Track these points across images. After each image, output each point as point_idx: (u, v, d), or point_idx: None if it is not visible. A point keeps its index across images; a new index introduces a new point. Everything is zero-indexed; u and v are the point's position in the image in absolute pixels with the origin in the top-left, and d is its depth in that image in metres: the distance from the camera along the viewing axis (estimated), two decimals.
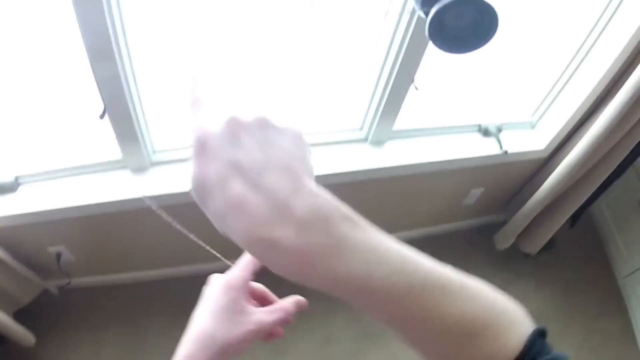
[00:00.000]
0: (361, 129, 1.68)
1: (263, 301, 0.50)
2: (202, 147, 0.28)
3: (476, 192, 1.99)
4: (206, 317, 0.43)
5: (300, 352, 1.90)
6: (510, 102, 1.85)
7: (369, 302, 0.30)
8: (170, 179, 1.53)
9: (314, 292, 0.30)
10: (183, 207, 1.53)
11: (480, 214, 2.22)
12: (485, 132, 1.79)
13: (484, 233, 2.23)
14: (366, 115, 1.62)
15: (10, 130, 1.52)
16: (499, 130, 1.79)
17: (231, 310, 0.43)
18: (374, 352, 1.92)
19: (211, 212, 0.28)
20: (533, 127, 1.87)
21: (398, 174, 1.67)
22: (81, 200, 1.52)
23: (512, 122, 1.83)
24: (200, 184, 0.28)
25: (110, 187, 1.54)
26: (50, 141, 1.59)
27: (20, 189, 1.60)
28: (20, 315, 1.77)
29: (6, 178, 1.58)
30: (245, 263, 0.46)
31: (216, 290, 0.44)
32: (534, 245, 2.10)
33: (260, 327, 0.44)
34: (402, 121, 1.65)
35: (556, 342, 1.62)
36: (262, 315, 0.45)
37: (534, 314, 1.64)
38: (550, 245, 2.11)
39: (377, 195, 1.80)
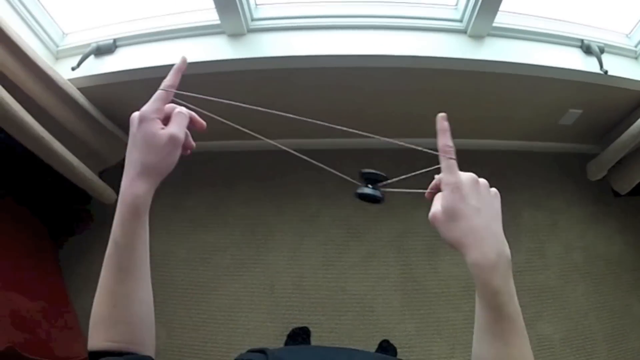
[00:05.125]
0: (461, 20, 1.67)
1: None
2: (459, 189, 0.52)
3: (574, 113, 1.94)
4: (133, 150, 0.53)
5: (378, 238, 2.00)
6: (617, 26, 1.78)
7: (496, 312, 0.50)
8: (266, 46, 1.60)
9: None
10: (275, 73, 1.63)
11: (576, 139, 2.18)
12: (587, 50, 1.73)
13: (578, 161, 2.20)
14: (467, 5, 1.60)
15: None
16: (602, 50, 1.73)
17: (147, 138, 0.53)
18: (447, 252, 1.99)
19: (453, 233, 0.52)
20: (637, 58, 1.79)
21: (494, 71, 1.66)
22: (174, 60, 1.61)
23: (615, 45, 1.77)
24: (452, 211, 0.52)
25: (206, 50, 1.63)
26: (149, 4, 1.69)
27: (118, 51, 1.74)
28: (106, 175, 1.96)
29: (105, 40, 1.72)
30: (155, 97, 0.56)
31: (135, 128, 0.54)
32: (625, 185, 2.03)
33: (172, 138, 0.54)
34: (503, 18, 1.64)
35: (627, 294, 1.60)
36: (170, 129, 0.54)
37: (614, 257, 1.67)
38: None
39: (474, 91, 1.81)
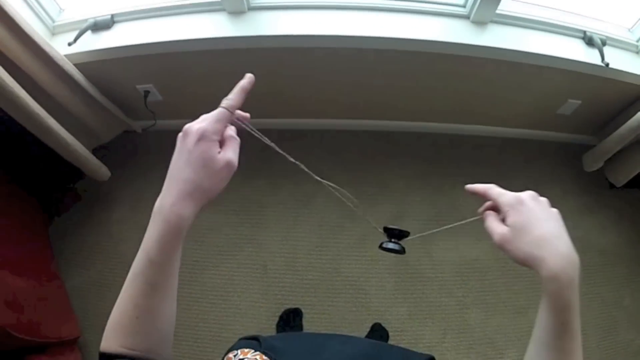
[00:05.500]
0: (464, 6, 1.66)
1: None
2: (522, 203, 0.54)
3: (573, 104, 1.94)
4: (186, 168, 0.50)
5: (373, 221, 1.99)
6: (619, 20, 1.79)
7: (562, 327, 0.50)
8: (267, 24, 1.59)
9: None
10: (276, 51, 1.62)
11: (574, 130, 2.20)
12: (589, 42, 1.74)
13: (575, 151, 2.21)
14: None
15: None
16: (604, 43, 1.74)
17: (206, 159, 0.50)
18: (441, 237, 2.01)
19: (525, 248, 0.52)
20: (638, 52, 1.80)
21: (495, 57, 1.66)
22: (173, 36, 1.61)
23: (617, 39, 1.78)
24: (520, 224, 0.53)
25: (206, 27, 1.62)
26: None
27: (116, 26, 1.72)
28: (100, 152, 1.95)
29: (102, 16, 1.70)
30: (218, 115, 0.53)
31: (192, 141, 0.50)
32: (621, 177, 2.05)
33: (229, 164, 0.52)
34: (506, 6, 1.64)
35: (619, 286, 1.62)
36: (227, 154, 0.52)
37: (607, 248, 1.68)
38: (636, 183, 2.05)
39: (474, 77, 1.82)
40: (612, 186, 2.14)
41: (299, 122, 2.16)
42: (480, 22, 1.67)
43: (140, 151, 2.16)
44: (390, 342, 1.81)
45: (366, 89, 1.91)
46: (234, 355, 0.54)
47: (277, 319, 1.83)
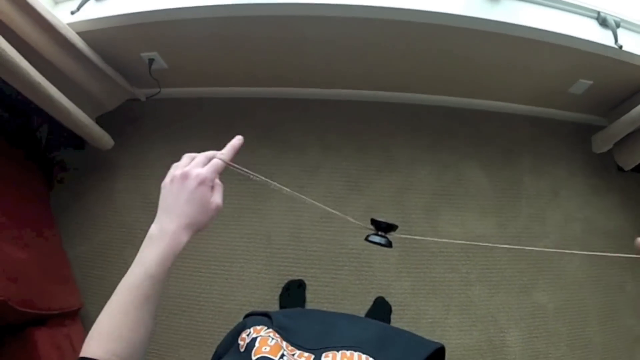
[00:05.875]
0: None
1: None
2: None
3: (584, 83, 1.93)
4: (186, 205, 0.61)
5: (377, 192, 2.01)
6: (635, 3, 1.76)
7: None
8: None
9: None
10: (280, 19, 1.59)
11: (584, 110, 2.17)
12: (603, 22, 1.72)
13: (584, 131, 2.19)
14: None
15: None
16: (617, 24, 1.72)
17: (203, 200, 0.61)
18: (448, 212, 2.00)
19: None
20: None
21: (508, 32, 1.64)
22: (178, 3, 1.58)
23: (632, 22, 1.76)
24: None
25: None
26: None
27: None
28: (104, 120, 1.94)
29: None
30: (216, 166, 0.64)
31: (195, 188, 0.61)
32: (630, 160, 2.04)
33: (218, 208, 0.63)
34: None
35: (622, 271, 1.62)
36: (217, 199, 0.63)
37: (612, 232, 1.67)
38: None
39: (485, 52, 1.80)
40: (620, 169, 2.13)
41: (306, 91, 2.14)
42: None
43: (144, 120, 2.14)
44: (393, 317, 1.81)
45: (376, 60, 1.88)
46: (247, 334, 0.56)
47: (280, 290, 1.82)
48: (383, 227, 0.73)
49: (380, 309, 1.79)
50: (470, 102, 2.16)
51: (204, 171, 0.62)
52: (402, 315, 1.81)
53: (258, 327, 0.58)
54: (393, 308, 1.81)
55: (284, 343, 0.57)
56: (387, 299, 1.82)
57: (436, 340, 0.69)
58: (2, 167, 1.76)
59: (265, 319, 0.64)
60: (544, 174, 2.10)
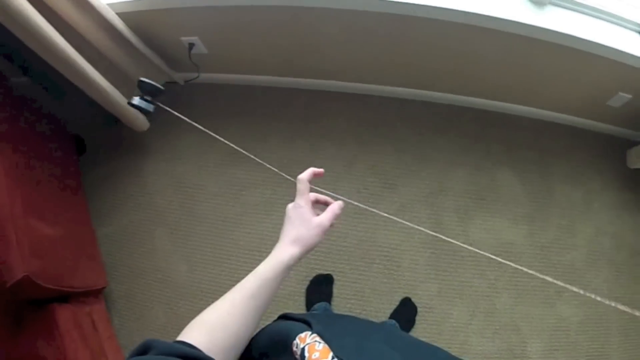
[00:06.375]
0: None
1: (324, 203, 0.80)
2: None
3: (623, 97, 1.92)
4: (292, 227, 0.71)
5: (412, 192, 2.01)
6: None
7: None
8: None
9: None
10: (330, 12, 1.59)
11: (621, 124, 2.16)
12: None
13: (620, 145, 2.18)
14: None
15: None
16: None
17: (304, 219, 0.71)
18: (479, 216, 1.99)
19: None
20: None
21: (551, 40, 1.63)
22: None
23: None
24: None
25: None
26: None
27: None
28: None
29: None
30: (298, 193, 0.74)
31: (292, 211, 0.72)
32: None
33: (322, 227, 0.71)
34: None
35: None
36: (321, 219, 0.71)
37: None
38: None
39: (526, 58, 1.79)
40: None
41: (345, 85, 2.14)
42: (539, 2, 1.64)
43: (180, 104, 2.15)
44: (417, 318, 1.81)
45: (420, 59, 1.88)
46: (296, 347, 0.56)
47: (307, 283, 1.83)
48: (149, 90, 0.67)
49: (407, 310, 1.80)
50: (508, 106, 2.16)
51: (296, 201, 0.73)
52: (426, 317, 1.81)
53: (302, 335, 0.57)
54: (419, 309, 1.81)
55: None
56: (413, 299, 1.82)
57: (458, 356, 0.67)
58: (38, 140, 1.77)
59: (305, 325, 0.63)
60: (578, 184, 2.09)
